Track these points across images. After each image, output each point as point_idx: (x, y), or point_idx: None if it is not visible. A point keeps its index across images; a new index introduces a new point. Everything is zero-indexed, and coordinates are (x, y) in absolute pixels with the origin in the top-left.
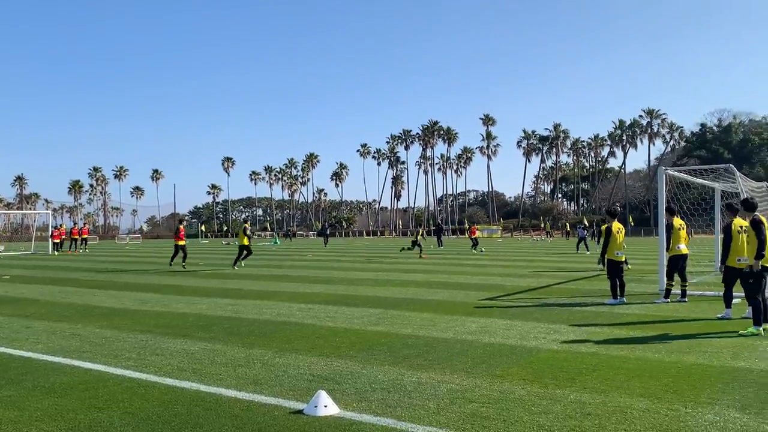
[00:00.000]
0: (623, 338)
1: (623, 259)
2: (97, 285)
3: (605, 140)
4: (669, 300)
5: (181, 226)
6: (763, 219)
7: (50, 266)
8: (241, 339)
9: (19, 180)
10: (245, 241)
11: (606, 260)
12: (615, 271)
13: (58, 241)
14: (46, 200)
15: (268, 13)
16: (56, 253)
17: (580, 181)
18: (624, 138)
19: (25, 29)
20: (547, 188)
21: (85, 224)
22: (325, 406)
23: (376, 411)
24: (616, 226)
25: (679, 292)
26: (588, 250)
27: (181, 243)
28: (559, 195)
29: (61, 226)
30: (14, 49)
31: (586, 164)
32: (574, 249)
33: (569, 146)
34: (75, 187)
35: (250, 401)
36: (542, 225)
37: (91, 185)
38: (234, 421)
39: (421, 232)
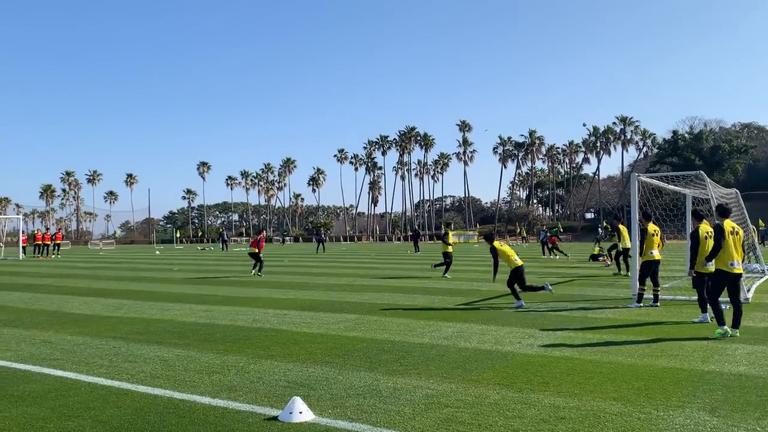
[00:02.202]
0: (596, 343)
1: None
2: (69, 291)
3: (580, 147)
4: (641, 305)
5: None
6: (731, 226)
7: (21, 272)
8: (215, 345)
9: None
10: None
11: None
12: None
13: (25, 245)
14: (17, 205)
15: (245, 15)
16: (23, 256)
17: (555, 187)
18: (598, 145)
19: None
20: (523, 194)
21: (59, 230)
22: (300, 413)
23: (351, 417)
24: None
25: (651, 296)
26: (555, 254)
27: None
28: (535, 201)
29: (37, 231)
30: None
31: (561, 170)
32: (541, 253)
33: (544, 152)
34: (47, 192)
35: (225, 408)
36: (518, 230)
37: (64, 190)
38: (208, 428)
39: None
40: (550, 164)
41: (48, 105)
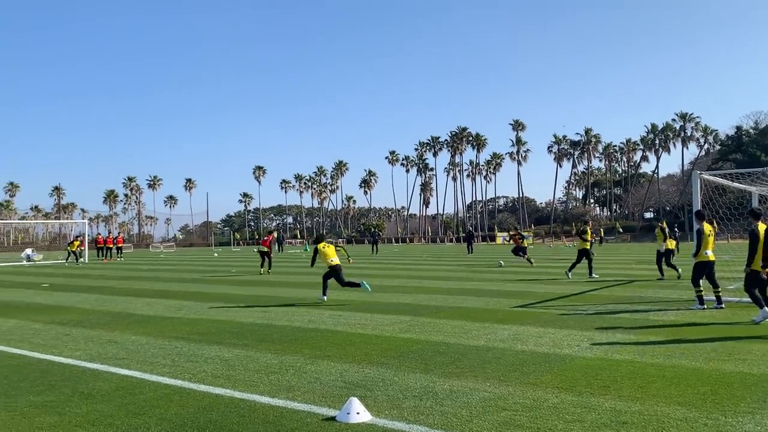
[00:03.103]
0: (659, 346)
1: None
2: (132, 293)
3: (638, 144)
4: (705, 306)
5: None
6: None
7: (87, 274)
8: (273, 346)
9: (57, 190)
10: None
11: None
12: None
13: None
14: (83, 210)
15: (298, 21)
16: (82, 261)
17: (613, 186)
18: (657, 142)
19: (63, 39)
20: (579, 194)
21: (119, 233)
22: (358, 413)
23: (408, 418)
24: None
25: (714, 298)
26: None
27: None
28: (592, 200)
29: (98, 235)
30: (49, 59)
31: (619, 169)
32: (606, 255)
33: (601, 151)
34: (110, 197)
35: (284, 408)
36: (574, 231)
37: (126, 195)
38: (268, 427)
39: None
40: (607, 163)
41: (111, 113)
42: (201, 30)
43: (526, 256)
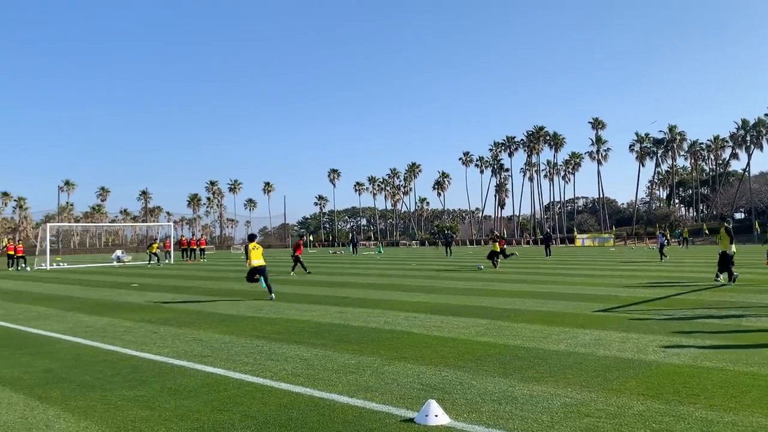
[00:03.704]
0: (753, 353)
1: None
2: (215, 293)
3: (726, 141)
4: None
5: (300, 241)
6: None
7: (172, 275)
8: (350, 346)
9: (144, 195)
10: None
11: None
12: None
13: (168, 250)
14: (168, 213)
15: (368, 28)
16: (167, 262)
17: (699, 185)
18: (748, 138)
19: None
20: (663, 194)
21: (202, 235)
22: (436, 416)
23: (487, 422)
24: None
25: None
26: (663, 257)
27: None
28: (676, 201)
29: (182, 237)
30: (138, 71)
31: (706, 167)
32: (693, 258)
33: (686, 149)
34: (194, 200)
35: (362, 408)
36: (657, 232)
37: (208, 198)
38: (347, 427)
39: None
40: (692, 161)
41: (195, 122)
42: (281, 42)
43: (497, 259)
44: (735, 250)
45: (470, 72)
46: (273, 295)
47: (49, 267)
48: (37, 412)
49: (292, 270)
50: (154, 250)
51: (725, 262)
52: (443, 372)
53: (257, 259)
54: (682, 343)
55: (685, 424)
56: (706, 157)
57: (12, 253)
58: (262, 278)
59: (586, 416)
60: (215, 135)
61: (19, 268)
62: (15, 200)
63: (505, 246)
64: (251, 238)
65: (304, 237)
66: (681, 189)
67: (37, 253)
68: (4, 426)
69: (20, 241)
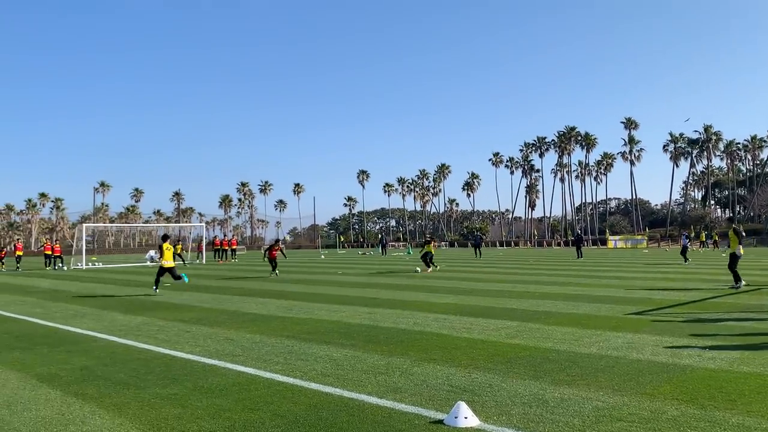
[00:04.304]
0: None
1: None
2: (245, 293)
3: (764, 141)
4: None
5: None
6: None
7: (205, 275)
8: (380, 347)
9: (177, 195)
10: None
11: None
12: None
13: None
14: (200, 213)
15: (402, 30)
16: (199, 261)
17: (736, 186)
18: None
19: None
20: (698, 195)
21: (233, 236)
22: (466, 418)
23: (517, 425)
24: None
25: None
26: (687, 261)
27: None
28: (712, 202)
29: (215, 237)
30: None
31: (743, 168)
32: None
33: (722, 149)
34: (225, 201)
35: (392, 409)
36: (693, 234)
37: (239, 199)
38: (377, 428)
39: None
40: (729, 161)
41: (226, 122)
42: (318, 49)
43: (431, 260)
44: (743, 252)
45: (500, 72)
46: (187, 279)
47: (84, 266)
48: (74, 408)
49: (273, 271)
50: (178, 251)
51: (733, 264)
52: (473, 374)
53: (168, 260)
54: (718, 347)
55: (721, 430)
56: (743, 157)
57: (49, 252)
58: (183, 274)
59: (618, 420)
60: (246, 136)
61: (56, 267)
62: (52, 201)
63: (436, 246)
64: (164, 238)
65: (280, 243)
66: (717, 190)
67: (73, 252)
68: (42, 421)
69: (57, 241)
